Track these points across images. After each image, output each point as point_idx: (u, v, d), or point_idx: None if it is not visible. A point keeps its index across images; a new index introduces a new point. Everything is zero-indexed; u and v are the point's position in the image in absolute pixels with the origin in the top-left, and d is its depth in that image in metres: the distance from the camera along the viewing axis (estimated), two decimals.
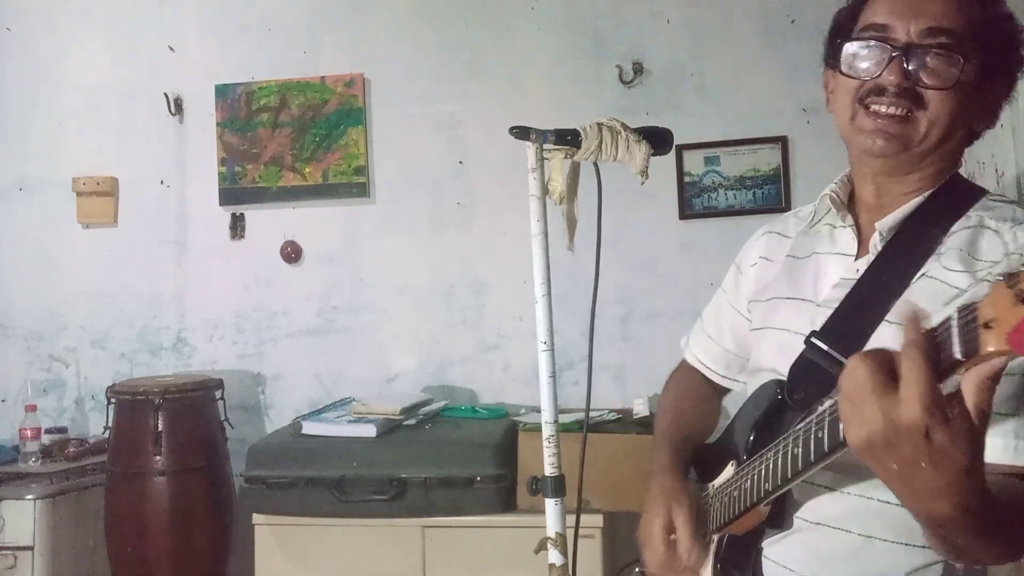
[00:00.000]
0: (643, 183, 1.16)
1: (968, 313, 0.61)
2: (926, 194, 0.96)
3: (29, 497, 2.49)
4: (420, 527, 2.24)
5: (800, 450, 0.81)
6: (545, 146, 1.14)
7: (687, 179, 2.74)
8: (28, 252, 3.09)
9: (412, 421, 2.47)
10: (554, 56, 2.85)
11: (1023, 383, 0.83)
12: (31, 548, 2.48)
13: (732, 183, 2.72)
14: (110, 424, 2.57)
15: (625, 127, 1.15)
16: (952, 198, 0.96)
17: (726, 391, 1.27)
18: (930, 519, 0.72)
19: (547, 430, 1.14)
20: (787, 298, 1.05)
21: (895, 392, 0.65)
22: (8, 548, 2.47)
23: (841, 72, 0.97)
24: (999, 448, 0.81)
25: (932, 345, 0.64)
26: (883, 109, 0.92)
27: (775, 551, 0.98)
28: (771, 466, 0.88)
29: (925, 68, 0.91)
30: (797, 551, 0.96)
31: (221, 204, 2.99)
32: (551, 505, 1.13)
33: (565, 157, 1.15)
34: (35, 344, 3.08)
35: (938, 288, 0.88)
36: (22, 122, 3.12)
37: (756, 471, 0.92)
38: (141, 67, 3.07)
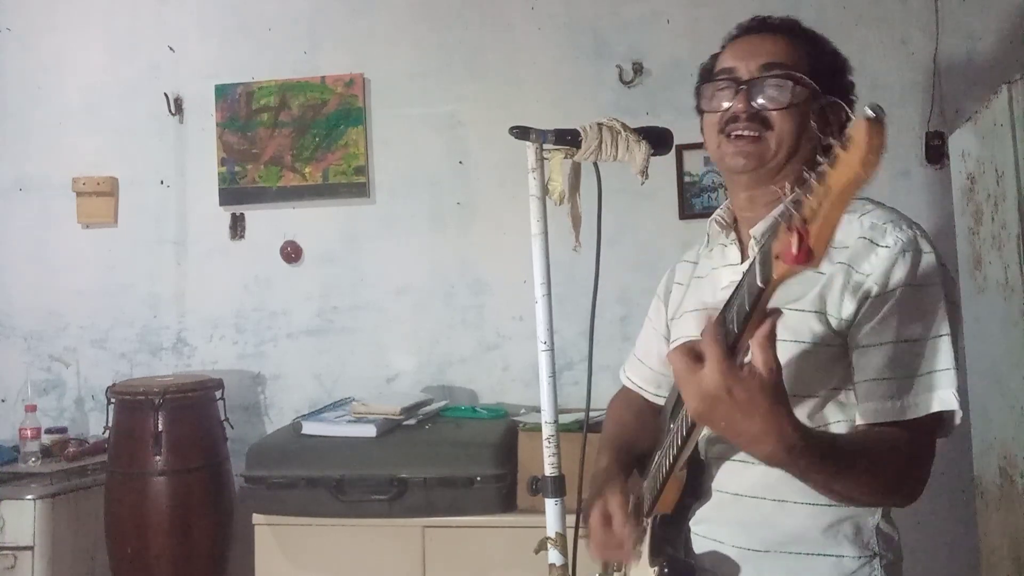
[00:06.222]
0: (643, 183, 1.17)
1: (739, 292, 0.81)
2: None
3: (29, 497, 2.49)
4: (420, 527, 2.24)
5: (682, 425, 0.99)
6: (545, 146, 1.14)
7: (687, 179, 2.74)
8: (28, 252, 3.09)
9: (412, 421, 2.47)
10: (554, 56, 2.85)
11: (894, 350, 0.99)
12: (31, 548, 2.47)
13: None
14: (110, 424, 2.57)
15: (625, 127, 1.15)
16: None
17: (660, 408, 1.35)
18: (772, 460, 0.88)
19: (547, 430, 1.14)
20: (692, 311, 1.23)
21: (702, 369, 0.82)
22: (8, 548, 2.47)
23: (705, 110, 1.17)
24: (884, 409, 0.99)
25: (721, 328, 0.83)
26: (739, 133, 1.11)
27: (703, 528, 1.12)
28: (671, 439, 1.04)
29: (764, 95, 1.10)
30: (721, 524, 1.10)
31: (221, 204, 3.00)
32: (551, 505, 1.13)
33: (565, 157, 1.15)
34: (35, 344, 3.08)
35: (803, 273, 1.02)
36: (22, 122, 3.12)
37: (666, 448, 1.07)
38: (141, 67, 3.07)
